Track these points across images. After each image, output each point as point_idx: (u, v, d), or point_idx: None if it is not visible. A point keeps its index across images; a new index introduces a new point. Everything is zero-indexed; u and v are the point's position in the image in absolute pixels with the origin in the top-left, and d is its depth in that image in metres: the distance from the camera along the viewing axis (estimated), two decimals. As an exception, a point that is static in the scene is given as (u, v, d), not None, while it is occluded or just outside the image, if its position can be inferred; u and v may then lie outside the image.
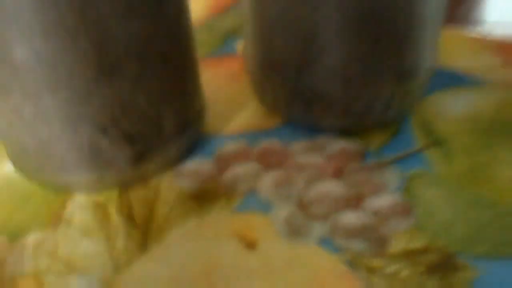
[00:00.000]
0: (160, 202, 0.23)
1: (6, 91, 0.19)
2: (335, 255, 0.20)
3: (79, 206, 0.23)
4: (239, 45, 0.38)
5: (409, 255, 0.19)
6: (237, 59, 0.36)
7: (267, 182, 0.23)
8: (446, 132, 0.26)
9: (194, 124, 0.25)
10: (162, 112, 0.22)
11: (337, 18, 0.22)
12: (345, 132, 0.26)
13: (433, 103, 0.29)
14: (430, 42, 0.24)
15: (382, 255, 0.20)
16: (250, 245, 0.20)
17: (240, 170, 0.24)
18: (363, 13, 0.21)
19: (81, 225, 0.22)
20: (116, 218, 0.22)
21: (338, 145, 0.25)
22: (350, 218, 0.21)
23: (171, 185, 0.24)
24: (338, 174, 0.24)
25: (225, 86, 0.32)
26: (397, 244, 0.20)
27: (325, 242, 0.20)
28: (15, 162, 0.23)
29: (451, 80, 0.31)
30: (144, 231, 0.21)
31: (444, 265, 0.19)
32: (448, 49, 0.35)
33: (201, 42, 0.39)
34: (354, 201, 0.22)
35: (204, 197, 0.23)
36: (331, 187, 0.23)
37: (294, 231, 0.21)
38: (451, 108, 0.28)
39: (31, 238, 0.22)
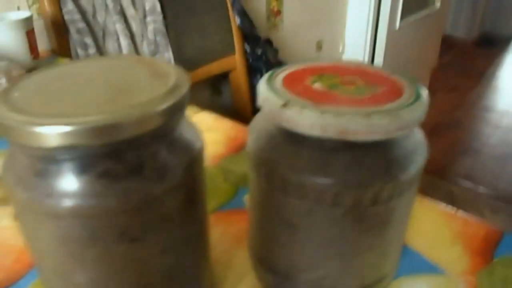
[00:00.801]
0: None
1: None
2: None
3: None
4: (247, 199, 0.45)
5: None
6: (246, 216, 0.43)
7: None
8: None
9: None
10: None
11: (318, 249, 0.29)
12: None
13: (396, 290, 0.36)
14: (390, 261, 0.31)
15: None
16: None
17: None
18: (336, 247, 0.29)
19: None
20: None
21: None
22: None
23: None
24: None
25: (231, 251, 0.39)
26: None
27: None
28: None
29: (416, 264, 0.38)
30: None
31: None
32: (424, 230, 0.42)
33: (216, 188, 0.47)
34: None
35: None
36: None
37: None
38: (410, 298, 0.35)
39: None
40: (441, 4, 2.55)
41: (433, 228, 0.42)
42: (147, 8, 1.08)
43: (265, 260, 0.32)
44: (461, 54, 3.50)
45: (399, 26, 2.22)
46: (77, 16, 0.97)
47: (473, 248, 0.39)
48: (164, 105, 0.23)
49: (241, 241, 0.40)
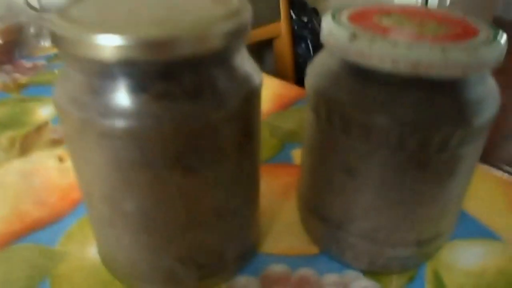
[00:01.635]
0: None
1: (112, 223, 0.26)
2: None
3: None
4: (295, 154, 0.44)
5: None
6: (294, 170, 0.42)
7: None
8: (453, 286, 0.31)
9: (249, 252, 0.31)
10: (226, 248, 0.29)
11: (375, 197, 0.27)
12: (370, 272, 0.32)
13: (450, 252, 0.34)
14: (450, 218, 0.30)
15: None
16: None
17: (279, 296, 0.30)
18: (395, 196, 0.27)
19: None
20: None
21: (362, 284, 0.31)
22: None
23: (223, 297, 0.30)
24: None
25: (278, 203, 0.38)
26: None
27: None
28: (105, 261, 0.30)
29: (472, 229, 0.36)
30: None
31: None
32: (480, 196, 0.40)
33: (263, 143, 0.46)
34: None
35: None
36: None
37: None
38: (462, 260, 0.33)
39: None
40: (496, -17, 2.44)
41: (489, 195, 0.40)
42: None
43: (316, 208, 0.31)
44: (511, 36, 3.36)
45: (450, 2, 2.14)
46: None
47: (534, 215, 0.37)
48: (225, 26, 0.21)
49: (288, 194, 0.39)
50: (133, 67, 0.21)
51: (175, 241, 0.26)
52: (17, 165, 0.44)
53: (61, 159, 0.44)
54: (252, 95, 0.25)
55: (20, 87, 0.60)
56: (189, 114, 0.22)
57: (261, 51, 1.44)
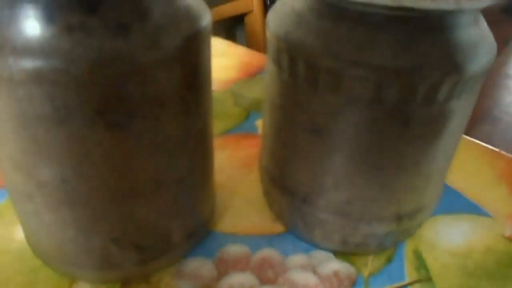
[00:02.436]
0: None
1: (28, 197, 0.21)
2: None
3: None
4: (260, 124, 0.40)
5: None
6: (256, 141, 0.37)
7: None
8: (436, 268, 0.27)
9: (201, 230, 0.26)
10: (172, 225, 0.24)
11: (347, 163, 0.23)
12: (342, 253, 0.28)
13: (432, 229, 0.30)
14: (434, 188, 0.25)
15: None
16: None
17: (236, 281, 0.26)
18: (372, 161, 0.23)
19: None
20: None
21: (332, 266, 0.27)
22: None
23: (171, 284, 0.25)
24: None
25: (239, 177, 0.33)
26: None
27: None
28: (30, 243, 0.25)
29: (456, 203, 0.32)
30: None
31: None
32: (465, 168, 0.36)
33: (226, 112, 0.41)
34: None
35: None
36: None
37: None
38: (447, 238, 0.29)
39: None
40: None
41: (474, 167, 0.36)
42: None
43: (280, 179, 0.26)
44: (486, 20, 3.36)
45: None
46: None
47: (524, 187, 0.33)
48: None
49: (250, 167, 0.34)
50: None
51: (106, 218, 0.22)
52: None
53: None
54: (196, 37, 0.20)
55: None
56: (111, 53, 0.17)
57: (232, 28, 1.38)
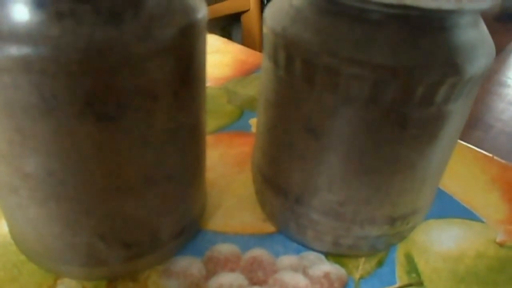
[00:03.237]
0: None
1: (13, 189, 0.21)
2: None
3: (68, 289, 0.24)
4: (253, 122, 0.39)
5: None
6: (249, 139, 0.37)
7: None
8: (428, 272, 0.27)
9: (191, 227, 0.26)
10: (161, 223, 0.23)
11: (342, 163, 0.23)
12: (333, 254, 0.27)
13: (424, 233, 0.30)
14: (428, 192, 0.25)
15: None
16: None
17: (225, 281, 0.25)
18: (367, 162, 0.22)
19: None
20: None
21: (323, 268, 0.26)
22: None
23: (158, 282, 0.25)
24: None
25: (231, 175, 0.33)
26: None
27: None
28: (14, 238, 0.25)
29: (449, 208, 0.32)
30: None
31: None
32: (457, 173, 0.36)
33: (219, 109, 0.40)
34: None
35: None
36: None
37: None
38: (438, 243, 0.29)
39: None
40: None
41: (467, 171, 0.35)
42: None
43: (272, 178, 0.26)
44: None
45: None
46: None
47: (518, 194, 0.33)
48: None
49: (243, 165, 0.34)
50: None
51: (93, 213, 0.21)
52: None
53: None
54: (191, 29, 0.19)
55: None
56: (103, 42, 0.16)
57: (228, 26, 1.37)
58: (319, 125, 0.22)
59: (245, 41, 1.30)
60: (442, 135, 0.21)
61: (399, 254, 0.28)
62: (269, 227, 0.29)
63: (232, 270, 0.26)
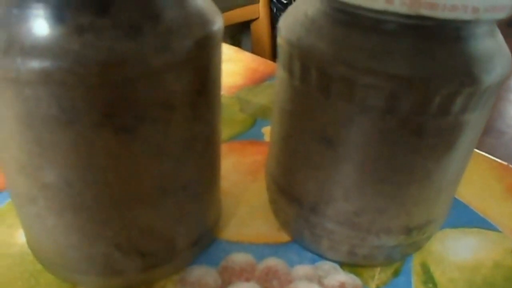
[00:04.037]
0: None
1: (32, 200, 0.21)
2: None
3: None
4: (267, 131, 0.39)
5: None
6: (262, 148, 0.37)
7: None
8: (444, 282, 0.27)
9: (206, 237, 0.26)
10: (176, 232, 0.23)
11: (358, 173, 0.23)
12: (349, 264, 0.27)
13: (440, 242, 0.29)
14: (445, 201, 0.25)
15: None
16: None
17: (240, 291, 0.25)
18: (383, 172, 0.22)
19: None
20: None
21: (339, 278, 0.26)
22: None
23: (173, 292, 0.25)
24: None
25: (244, 184, 0.33)
26: None
27: None
28: (31, 248, 0.25)
29: (465, 217, 0.32)
30: None
31: None
32: (473, 181, 0.35)
33: (231, 118, 0.41)
34: None
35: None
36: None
37: None
38: (455, 252, 0.29)
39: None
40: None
41: (482, 180, 0.35)
42: None
43: (287, 187, 0.26)
44: None
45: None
46: None
47: (534, 202, 0.33)
48: None
49: (256, 174, 0.34)
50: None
51: (110, 223, 0.21)
52: None
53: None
54: (208, 41, 0.20)
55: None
56: (122, 55, 0.17)
57: (238, 34, 1.38)
58: (334, 134, 0.22)
59: (254, 49, 1.31)
60: (458, 145, 0.21)
61: (415, 263, 0.28)
62: (284, 236, 0.29)
63: (247, 280, 0.26)
